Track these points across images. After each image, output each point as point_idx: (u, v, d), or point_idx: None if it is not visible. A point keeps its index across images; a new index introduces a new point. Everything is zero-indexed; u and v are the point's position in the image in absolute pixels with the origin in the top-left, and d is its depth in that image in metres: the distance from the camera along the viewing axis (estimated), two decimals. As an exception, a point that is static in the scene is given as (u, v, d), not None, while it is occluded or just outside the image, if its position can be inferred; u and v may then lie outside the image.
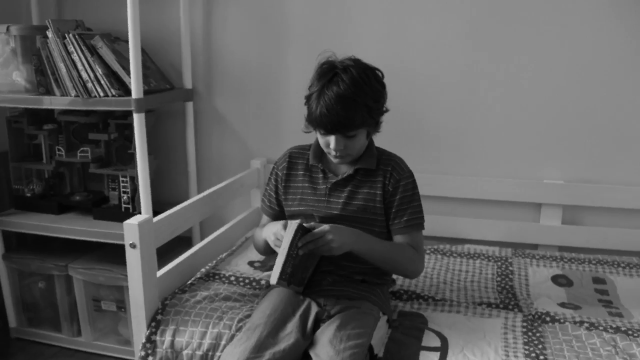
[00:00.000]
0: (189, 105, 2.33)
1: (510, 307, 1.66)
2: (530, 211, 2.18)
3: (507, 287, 1.82)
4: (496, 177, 2.18)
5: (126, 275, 2.08)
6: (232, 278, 1.78)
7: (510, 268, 1.95)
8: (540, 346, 1.43)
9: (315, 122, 1.41)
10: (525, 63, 2.06)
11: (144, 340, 1.51)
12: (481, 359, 1.38)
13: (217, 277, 1.79)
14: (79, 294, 2.20)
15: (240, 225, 2.19)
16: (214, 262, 1.94)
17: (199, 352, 1.48)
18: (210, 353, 1.48)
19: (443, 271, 1.94)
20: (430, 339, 1.46)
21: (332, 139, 1.42)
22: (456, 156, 2.21)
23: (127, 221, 1.47)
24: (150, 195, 1.96)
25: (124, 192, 2.16)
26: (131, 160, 2.20)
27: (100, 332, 2.26)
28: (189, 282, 1.75)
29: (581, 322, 1.55)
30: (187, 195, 2.42)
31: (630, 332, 1.50)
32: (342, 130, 1.40)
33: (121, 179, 2.16)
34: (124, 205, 2.18)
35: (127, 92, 1.99)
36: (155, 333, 1.52)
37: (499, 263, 1.99)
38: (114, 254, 2.23)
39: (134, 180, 2.15)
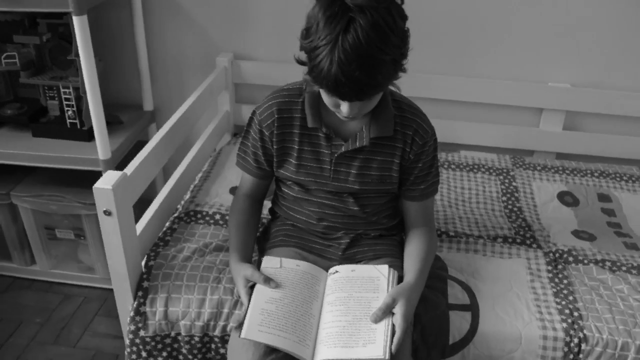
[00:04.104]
0: (136, -9, 1.88)
1: (528, 242, 1.54)
2: (530, 116, 2.00)
3: (516, 209, 1.70)
4: (496, 78, 1.95)
5: (83, 203, 1.84)
6: (218, 217, 1.55)
7: (514, 184, 1.82)
8: (570, 297, 1.35)
9: (326, 86, 1.05)
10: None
11: (132, 314, 1.29)
12: (515, 319, 1.28)
13: (199, 216, 1.55)
14: (27, 223, 1.91)
15: (212, 137, 1.90)
16: (190, 191, 1.68)
17: (199, 323, 1.29)
18: (212, 323, 1.29)
19: (445, 189, 1.78)
20: (456, 293, 1.34)
21: (345, 105, 1.10)
22: (454, 55, 1.95)
23: (97, 185, 1.17)
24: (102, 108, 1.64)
25: (68, 106, 1.79)
26: (71, 63, 1.80)
27: (57, 259, 2.02)
28: (169, 225, 1.51)
29: (603, 262, 1.47)
30: (140, 97, 2.07)
31: (652, 271, 1.44)
32: (361, 97, 1.07)
33: (62, 90, 1.77)
34: (69, 121, 1.81)
35: (60, -16, 1.55)
36: (144, 303, 1.30)
37: (501, 177, 1.85)
38: (60, 175, 1.91)
39: (77, 90, 1.77)
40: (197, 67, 2.05)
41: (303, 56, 1.10)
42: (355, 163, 1.26)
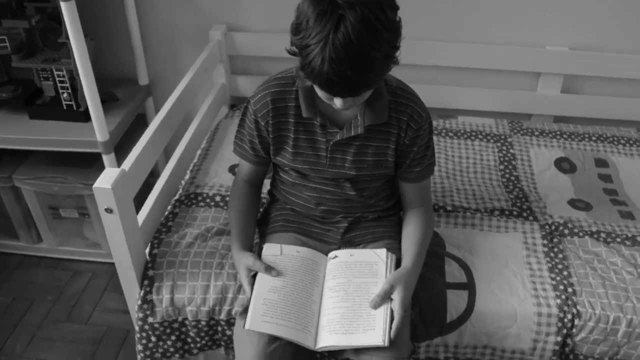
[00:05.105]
0: (123, -35, 1.83)
1: (525, 214, 1.57)
2: (528, 80, 1.99)
3: (513, 178, 1.72)
4: (494, 43, 1.92)
5: (84, 184, 1.86)
6: (218, 198, 1.57)
7: (512, 151, 1.83)
8: (565, 272, 1.38)
9: (319, 84, 1.06)
10: None
11: (139, 302, 1.34)
12: (511, 296, 1.32)
13: (199, 198, 1.57)
14: (32, 204, 1.94)
15: (210, 111, 1.90)
16: (190, 170, 1.70)
17: (205, 308, 1.34)
18: (217, 308, 1.34)
19: (443, 159, 1.79)
20: (453, 271, 1.38)
21: (338, 99, 1.10)
22: (451, 20, 1.91)
23: (97, 184, 1.18)
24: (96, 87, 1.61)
25: (62, 89, 1.78)
26: (63, 44, 1.77)
27: (63, 236, 2.06)
28: (170, 209, 1.54)
29: (598, 233, 1.50)
30: (134, 71, 2.04)
31: (645, 242, 1.47)
32: (354, 94, 1.07)
33: (56, 72, 1.75)
34: (65, 103, 1.81)
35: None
36: (150, 292, 1.34)
37: (499, 144, 1.86)
38: (60, 155, 1.91)
39: (71, 71, 1.76)
40: (191, 38, 2.02)
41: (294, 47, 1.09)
42: (351, 150, 1.26)
